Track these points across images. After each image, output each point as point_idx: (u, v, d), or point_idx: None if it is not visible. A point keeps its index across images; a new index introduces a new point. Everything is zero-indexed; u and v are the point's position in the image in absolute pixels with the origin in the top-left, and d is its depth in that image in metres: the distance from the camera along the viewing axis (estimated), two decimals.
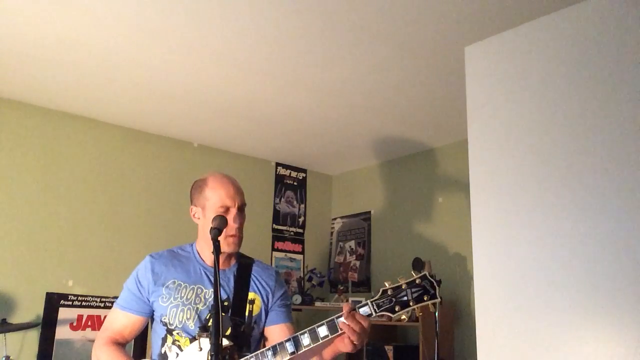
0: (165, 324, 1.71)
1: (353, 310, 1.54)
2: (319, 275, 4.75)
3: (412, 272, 1.57)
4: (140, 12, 2.56)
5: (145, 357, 1.79)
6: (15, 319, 3.38)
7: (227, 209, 1.74)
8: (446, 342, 3.67)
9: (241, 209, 1.78)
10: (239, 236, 1.76)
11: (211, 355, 1.44)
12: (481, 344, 2.39)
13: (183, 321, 1.69)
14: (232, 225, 1.72)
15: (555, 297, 2.19)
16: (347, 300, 4.31)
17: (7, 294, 3.44)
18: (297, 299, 4.43)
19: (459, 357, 3.77)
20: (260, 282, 1.83)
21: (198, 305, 1.71)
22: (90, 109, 3.81)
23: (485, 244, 2.47)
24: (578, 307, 2.12)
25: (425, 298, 1.53)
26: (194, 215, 1.82)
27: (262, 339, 1.82)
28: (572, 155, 2.24)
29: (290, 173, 5.06)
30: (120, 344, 1.76)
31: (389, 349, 3.79)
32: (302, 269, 4.91)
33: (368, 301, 1.56)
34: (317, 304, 4.51)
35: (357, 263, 4.80)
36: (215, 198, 1.75)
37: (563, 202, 2.23)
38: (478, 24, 2.56)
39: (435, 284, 1.55)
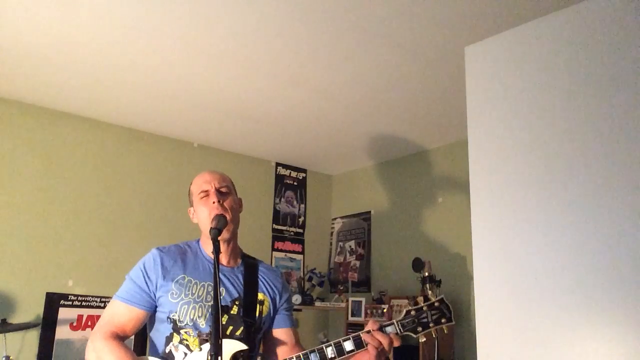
0: (172, 321, 1.66)
1: (379, 329, 1.61)
2: (319, 275, 4.75)
3: (430, 296, 1.69)
4: (141, 12, 2.56)
5: (145, 355, 1.75)
6: (15, 319, 3.37)
7: (206, 193, 1.76)
8: (446, 342, 3.67)
9: (222, 192, 1.76)
10: (225, 216, 1.70)
11: (211, 356, 1.42)
12: (481, 344, 2.39)
13: (194, 319, 1.65)
14: (212, 207, 1.71)
15: (556, 297, 2.18)
16: (346, 301, 4.31)
17: (7, 294, 3.44)
18: (297, 299, 4.43)
19: (459, 357, 3.77)
20: (268, 283, 1.82)
21: (209, 303, 1.68)
22: (90, 109, 3.81)
23: (485, 244, 2.47)
24: (578, 307, 2.12)
25: (442, 321, 1.67)
26: (192, 217, 1.83)
27: (261, 340, 1.80)
28: (573, 155, 2.24)
29: (290, 173, 5.06)
30: (121, 339, 1.68)
31: None
32: (302, 269, 4.90)
33: (394, 321, 1.65)
34: (317, 304, 4.51)
35: (357, 263, 4.80)
36: (195, 189, 1.80)
37: (563, 202, 2.23)
38: (478, 24, 2.56)
39: (450, 307, 1.69)
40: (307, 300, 4.48)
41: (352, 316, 4.20)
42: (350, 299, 4.30)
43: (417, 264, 3.67)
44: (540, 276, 2.25)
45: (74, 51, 2.97)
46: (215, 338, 1.42)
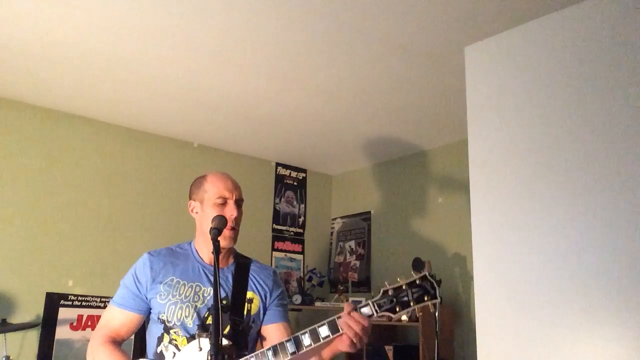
0: (162, 322, 1.70)
1: (354, 310, 1.54)
2: (319, 275, 4.75)
3: (412, 273, 1.58)
4: (141, 12, 2.56)
5: (144, 356, 1.77)
6: (15, 319, 3.38)
7: (224, 201, 1.76)
8: (446, 342, 3.67)
9: (238, 204, 1.79)
10: (236, 230, 1.77)
11: (211, 356, 1.43)
12: (481, 344, 2.39)
13: (182, 319, 1.68)
14: (229, 217, 1.73)
15: (555, 297, 2.19)
16: (347, 300, 4.31)
17: (7, 294, 3.44)
18: (297, 299, 4.43)
19: (459, 357, 3.77)
20: (258, 281, 1.83)
21: (197, 303, 1.71)
22: (90, 109, 3.81)
23: (485, 244, 2.47)
24: (578, 307, 2.12)
25: (425, 298, 1.53)
26: (192, 210, 1.83)
27: (259, 337, 1.82)
28: (572, 155, 2.24)
29: (290, 173, 5.06)
30: (117, 343, 1.75)
31: (389, 349, 3.79)
32: (302, 269, 4.90)
33: (369, 301, 1.56)
34: (317, 304, 4.51)
35: (357, 263, 4.80)
36: (213, 190, 1.78)
37: (563, 202, 2.23)
38: (478, 24, 2.56)
39: (435, 284, 1.55)
40: (307, 300, 4.48)
41: None
42: (350, 299, 4.30)
43: (417, 264, 3.67)
44: (540, 276, 2.25)
45: (73, 51, 2.97)
46: (215, 338, 1.44)
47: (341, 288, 4.73)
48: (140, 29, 2.72)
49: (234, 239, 1.76)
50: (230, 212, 1.74)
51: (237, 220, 1.77)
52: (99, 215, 3.89)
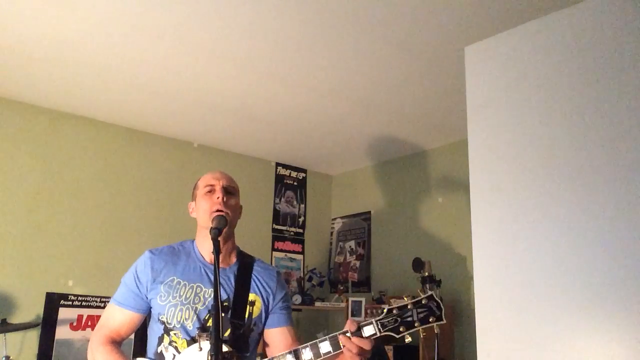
0: (163, 323, 1.68)
1: (356, 331, 1.52)
2: (319, 275, 4.75)
3: (419, 291, 1.56)
4: (140, 11, 2.56)
5: (145, 354, 1.76)
6: (15, 319, 3.37)
7: (212, 188, 1.76)
8: (446, 342, 3.67)
9: (227, 190, 1.77)
10: (228, 214, 1.71)
11: (211, 356, 1.43)
12: (481, 344, 2.39)
13: (181, 321, 1.66)
14: (215, 201, 1.72)
15: (555, 297, 2.19)
16: (346, 301, 4.30)
17: (7, 294, 3.44)
18: (297, 299, 4.43)
19: (459, 357, 3.77)
20: (261, 283, 1.80)
21: (197, 305, 1.68)
22: (90, 109, 3.81)
23: (485, 244, 2.47)
24: (578, 307, 2.12)
25: (430, 319, 1.51)
26: (191, 211, 1.83)
27: (260, 340, 1.80)
28: (572, 154, 2.24)
29: (290, 173, 5.06)
30: (117, 342, 1.73)
31: (389, 349, 3.79)
32: (302, 269, 4.90)
33: (373, 320, 1.53)
34: (317, 304, 4.51)
35: (357, 263, 4.80)
36: (202, 183, 1.81)
37: (563, 202, 2.23)
38: (478, 24, 2.56)
39: (441, 304, 1.53)
40: (307, 300, 4.48)
41: (352, 316, 4.19)
42: (350, 299, 4.30)
43: (417, 264, 3.66)
44: (539, 276, 2.25)
45: (74, 51, 2.97)
46: (215, 338, 1.43)
47: (341, 288, 4.73)
48: (140, 29, 2.72)
49: (225, 230, 1.69)
50: (217, 195, 1.73)
51: (228, 205, 1.73)
52: (99, 215, 3.89)
